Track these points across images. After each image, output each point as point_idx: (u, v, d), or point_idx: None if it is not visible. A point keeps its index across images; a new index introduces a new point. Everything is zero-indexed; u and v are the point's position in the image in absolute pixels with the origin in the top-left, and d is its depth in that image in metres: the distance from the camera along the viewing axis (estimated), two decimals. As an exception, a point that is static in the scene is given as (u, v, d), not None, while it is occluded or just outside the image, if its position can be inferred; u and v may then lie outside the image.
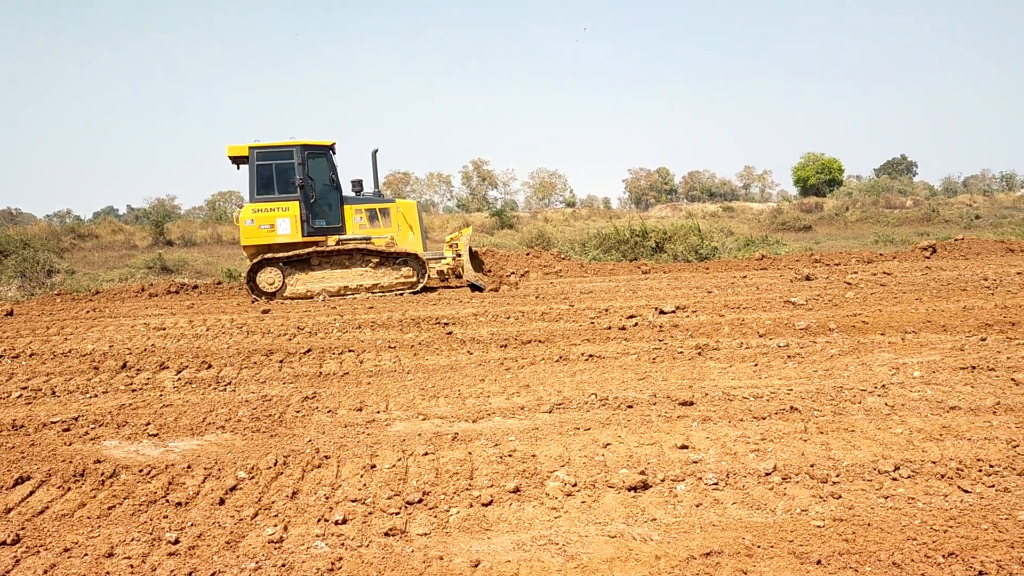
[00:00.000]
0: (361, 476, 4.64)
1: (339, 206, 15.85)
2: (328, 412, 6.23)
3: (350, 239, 15.81)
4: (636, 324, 9.77)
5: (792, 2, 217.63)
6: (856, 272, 16.66)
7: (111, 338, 10.36)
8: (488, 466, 4.69)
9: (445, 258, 17.06)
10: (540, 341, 9.04)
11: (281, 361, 8.42)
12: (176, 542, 3.78)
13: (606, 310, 11.35)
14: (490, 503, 4.18)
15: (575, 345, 8.74)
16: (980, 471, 4.29)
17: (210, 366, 8.22)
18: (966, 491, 4.05)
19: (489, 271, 18.31)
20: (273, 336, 10.11)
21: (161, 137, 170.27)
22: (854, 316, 9.68)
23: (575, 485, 4.35)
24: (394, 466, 4.77)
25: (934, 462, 4.45)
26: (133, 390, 7.27)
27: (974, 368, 6.69)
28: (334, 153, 16.02)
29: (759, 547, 3.53)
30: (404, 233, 16.27)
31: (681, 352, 7.98)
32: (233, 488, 4.48)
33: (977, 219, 45.20)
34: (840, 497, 4.07)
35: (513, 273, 18.93)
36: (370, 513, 4.10)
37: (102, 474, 4.72)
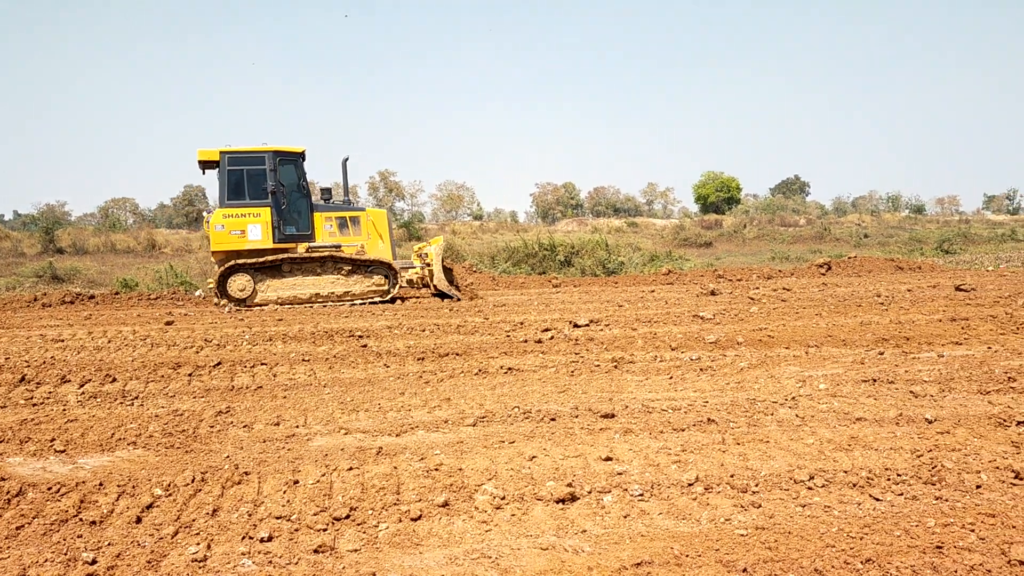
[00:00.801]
0: (284, 492, 4.54)
1: (309, 213, 15.84)
2: (244, 427, 6.07)
3: (320, 247, 15.75)
4: (552, 337, 9.87)
5: (693, 25, 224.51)
6: (758, 287, 17.26)
7: (6, 350, 9.85)
8: (415, 480, 4.66)
9: (414, 267, 17.03)
10: (458, 354, 9.04)
11: (190, 374, 8.16)
12: (94, 563, 3.62)
13: (521, 323, 11.43)
14: (419, 518, 4.15)
15: (493, 358, 8.77)
16: (889, 480, 4.50)
17: (115, 379, 7.90)
18: (877, 499, 4.24)
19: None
20: (180, 348, 9.80)
21: (50, 140, 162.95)
22: (760, 330, 10.03)
23: (504, 498, 4.37)
24: (318, 481, 4.69)
25: (845, 471, 4.64)
26: (34, 404, 6.93)
27: (875, 381, 7.02)
28: (304, 160, 15.83)
29: (687, 556, 3.62)
30: (374, 241, 16.31)
31: (598, 365, 8.11)
32: (150, 506, 4.33)
33: (866, 238, 47.48)
34: (760, 506, 4.20)
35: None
36: (296, 530, 4.02)
37: (8, 492, 4.48)
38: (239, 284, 15.26)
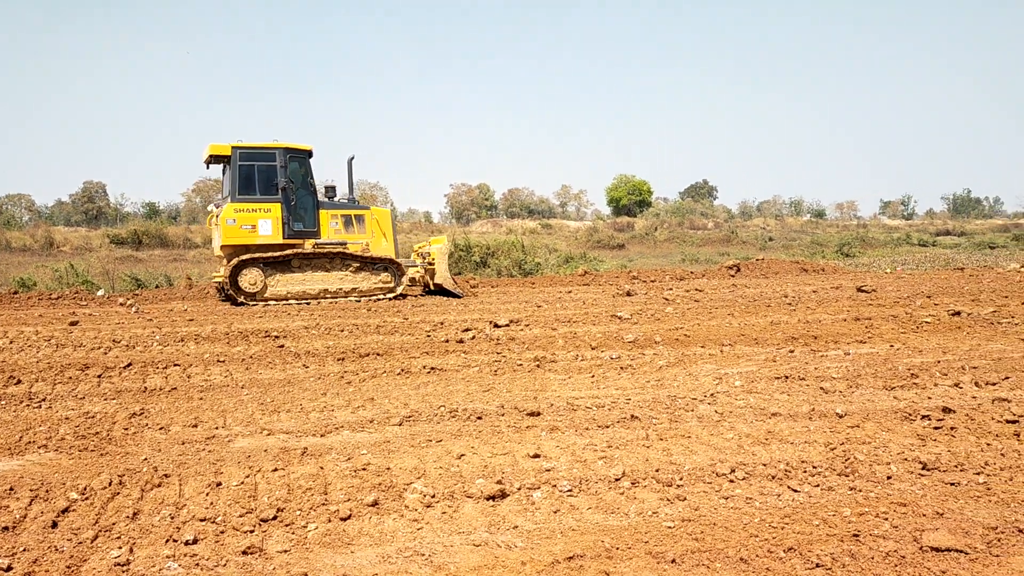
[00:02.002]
0: (207, 494, 4.42)
1: (315, 210, 16.03)
2: (160, 429, 5.89)
3: (326, 243, 16.02)
4: (473, 337, 9.88)
5: (604, 31, 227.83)
6: (672, 288, 17.65)
7: None
8: (342, 480, 4.61)
9: (415, 265, 17.12)
10: (379, 354, 8.96)
11: (99, 376, 7.87)
12: (8, 569, 3.46)
13: (441, 323, 11.41)
14: (349, 517, 4.11)
15: (415, 358, 8.73)
16: (805, 472, 4.67)
17: (19, 381, 7.56)
18: (796, 490, 4.40)
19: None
20: (87, 349, 9.43)
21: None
22: (676, 330, 10.26)
23: (434, 496, 4.36)
24: (242, 483, 4.59)
25: (764, 464, 4.80)
26: (-70, 409, 6.57)
27: (787, 378, 7.27)
28: (311, 158, 16.04)
29: (618, 549, 3.68)
30: (378, 239, 16.63)
31: (521, 364, 8.16)
32: (66, 510, 4.16)
33: (771, 241, 49.08)
34: (686, 499, 4.31)
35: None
36: (222, 532, 3.92)
37: (-91, 501, 4.24)
38: (250, 278, 15.33)
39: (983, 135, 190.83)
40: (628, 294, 16.52)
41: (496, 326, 10.92)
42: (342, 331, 10.74)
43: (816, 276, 21.85)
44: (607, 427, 5.66)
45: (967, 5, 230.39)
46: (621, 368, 7.99)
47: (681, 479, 4.59)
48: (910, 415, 5.77)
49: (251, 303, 15.28)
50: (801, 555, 3.56)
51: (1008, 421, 5.52)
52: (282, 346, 9.58)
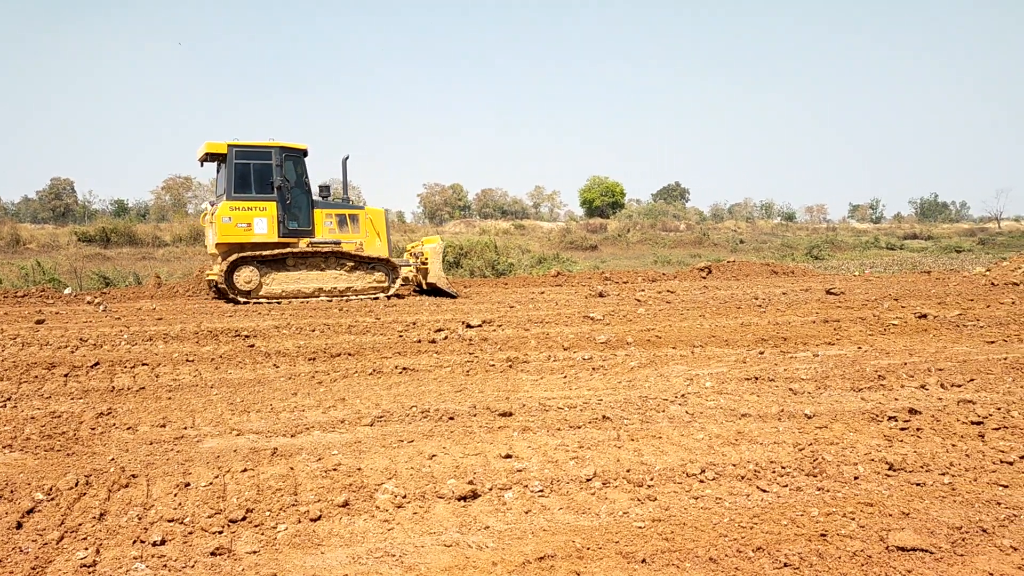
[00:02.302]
0: (175, 495, 4.38)
1: (309, 209, 16.12)
2: (128, 429, 5.82)
3: (321, 242, 16.12)
4: (446, 338, 9.87)
5: (579, 33, 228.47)
6: (644, 290, 17.74)
7: None
8: (313, 481, 4.58)
9: (408, 265, 17.15)
10: (350, 354, 8.92)
11: (66, 375, 7.76)
12: (-30, 573, 3.41)
13: (413, 323, 11.38)
14: (319, 518, 4.09)
15: (387, 358, 8.70)
16: (774, 472, 4.71)
17: (-18, 381, 7.43)
18: (764, 491, 4.44)
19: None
20: (53, 348, 9.30)
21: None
22: (648, 331, 10.31)
23: (405, 497, 4.34)
24: (211, 484, 4.54)
25: (734, 465, 4.83)
26: None
27: (757, 379, 7.34)
28: (306, 157, 16.15)
29: (589, 549, 3.69)
30: (372, 239, 16.73)
31: (493, 365, 8.16)
32: (31, 511, 4.09)
33: (742, 243, 49.50)
34: (656, 499, 4.33)
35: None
36: (191, 533, 3.88)
37: None
38: (245, 276, 15.35)
39: (951, 140, 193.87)
40: (600, 295, 16.58)
41: (469, 326, 10.91)
42: (313, 331, 10.67)
43: (786, 278, 22.07)
44: (579, 428, 5.68)
45: (935, 13, 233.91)
46: (593, 369, 8.01)
47: (652, 479, 4.61)
48: (877, 416, 5.84)
49: (244, 301, 15.29)
50: (769, 555, 3.59)
51: (973, 422, 5.60)
52: (252, 346, 9.50)
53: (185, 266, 25.78)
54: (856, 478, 4.58)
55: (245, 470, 4.78)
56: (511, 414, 6.06)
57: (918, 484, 4.45)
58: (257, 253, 15.35)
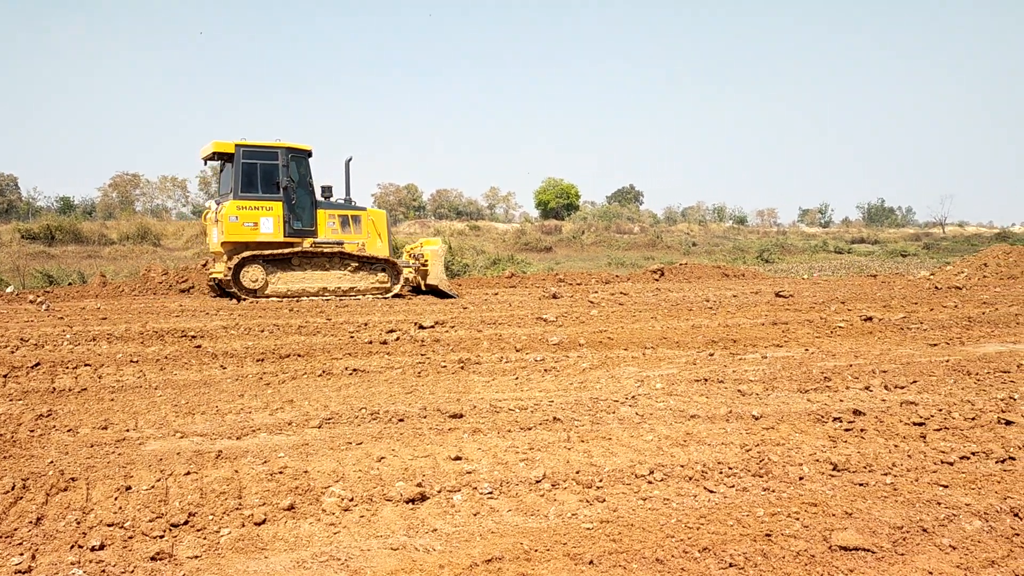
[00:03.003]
0: (116, 499, 4.27)
1: (313, 210, 16.35)
2: (69, 431, 5.67)
3: (324, 242, 16.36)
4: (398, 339, 9.80)
5: (533, 35, 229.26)
6: (597, 292, 17.83)
7: None
8: (258, 484, 4.50)
9: (408, 266, 17.31)
10: (300, 355, 8.81)
11: (5, 376, 7.54)
12: None
13: (365, 324, 11.28)
14: (264, 522, 4.01)
15: (337, 359, 8.61)
16: (721, 473, 4.75)
17: (-85, 382, 7.18)
18: (711, 491, 4.47)
19: None
20: (-9, 348, 9.03)
21: None
22: (600, 332, 10.35)
23: (352, 500, 4.29)
24: (153, 487, 4.44)
25: (682, 466, 4.86)
26: None
27: (707, 380, 7.40)
28: (310, 157, 16.41)
29: (537, 551, 3.68)
30: (373, 240, 17.02)
31: (445, 366, 8.12)
32: (-38, 517, 3.96)
33: (694, 246, 50.05)
34: (604, 501, 4.34)
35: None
36: (130, 537, 3.79)
37: None
38: (252, 275, 15.52)
39: (897, 147, 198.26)
40: (554, 296, 16.62)
41: (421, 327, 10.85)
42: (262, 331, 10.52)
43: (737, 281, 22.36)
44: (529, 429, 5.67)
45: (882, 23, 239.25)
46: (545, 370, 8.02)
47: (601, 480, 4.62)
48: (822, 417, 5.92)
49: (248, 298, 15.46)
50: (715, 555, 3.61)
51: (915, 423, 5.71)
52: (199, 346, 9.33)
53: (132, 265, 25.26)
54: (801, 478, 4.64)
55: (188, 473, 4.68)
56: (462, 416, 6.03)
57: (861, 484, 4.52)
58: (266, 252, 15.51)
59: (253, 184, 15.64)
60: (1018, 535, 3.78)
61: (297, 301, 15.40)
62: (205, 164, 16.80)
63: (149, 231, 41.15)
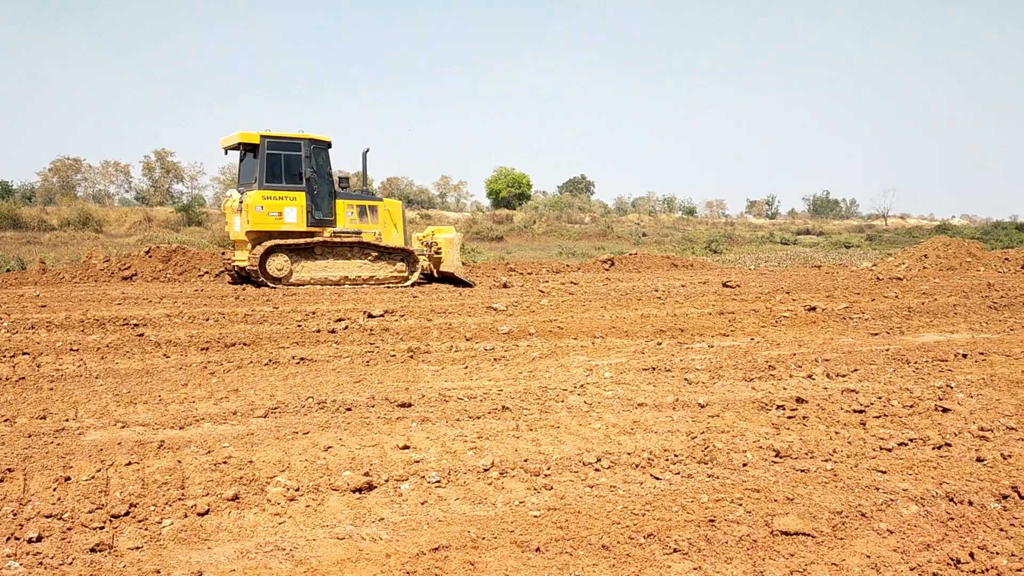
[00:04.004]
0: (54, 490, 4.17)
1: (332, 200, 16.67)
2: (5, 421, 5.52)
3: (343, 232, 16.71)
4: (346, 327, 9.72)
5: (485, 23, 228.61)
6: (547, 281, 17.89)
7: None
8: (201, 474, 4.43)
9: (423, 254, 17.81)
10: (246, 344, 8.69)
11: (-63, 365, 7.30)
12: None
13: (313, 313, 11.17)
14: (207, 512, 3.96)
15: (284, 348, 8.51)
16: (667, 460, 4.81)
17: None
18: (657, 478, 4.52)
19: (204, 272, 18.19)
20: (-77, 337, 8.74)
21: None
22: (550, 322, 10.39)
23: (298, 490, 4.25)
24: (93, 478, 4.34)
25: (629, 453, 4.91)
26: None
27: (654, 369, 7.48)
28: (330, 148, 16.69)
29: (484, 539, 3.69)
30: (389, 230, 17.45)
31: (394, 355, 8.08)
32: None
33: (644, 236, 50.43)
34: (552, 488, 4.36)
35: (207, 272, 18.00)
36: (69, 529, 3.71)
37: None
38: (278, 264, 15.85)
39: (842, 141, 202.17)
40: (505, 286, 16.63)
41: (370, 316, 10.77)
42: (207, 320, 10.35)
43: (685, 271, 22.60)
44: (478, 418, 5.67)
45: (823, 18, 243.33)
46: (495, 359, 8.02)
47: (549, 469, 4.64)
48: (766, 405, 6.03)
49: (274, 286, 15.67)
50: (660, 541, 3.66)
51: (855, 411, 5.84)
52: (142, 335, 9.14)
53: (73, 251, 24.59)
54: (745, 465, 4.71)
55: (130, 463, 4.59)
56: (410, 405, 6.01)
57: (803, 470, 4.61)
58: (290, 241, 15.84)
59: (277, 174, 15.94)
60: (952, 519, 3.89)
61: (320, 288, 15.78)
62: (226, 153, 17.29)
63: (91, 217, 40.12)
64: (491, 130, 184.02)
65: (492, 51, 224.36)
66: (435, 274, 18.12)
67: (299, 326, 9.91)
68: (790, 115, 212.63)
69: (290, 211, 16.03)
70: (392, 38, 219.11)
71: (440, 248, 17.66)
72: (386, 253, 16.95)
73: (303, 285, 15.95)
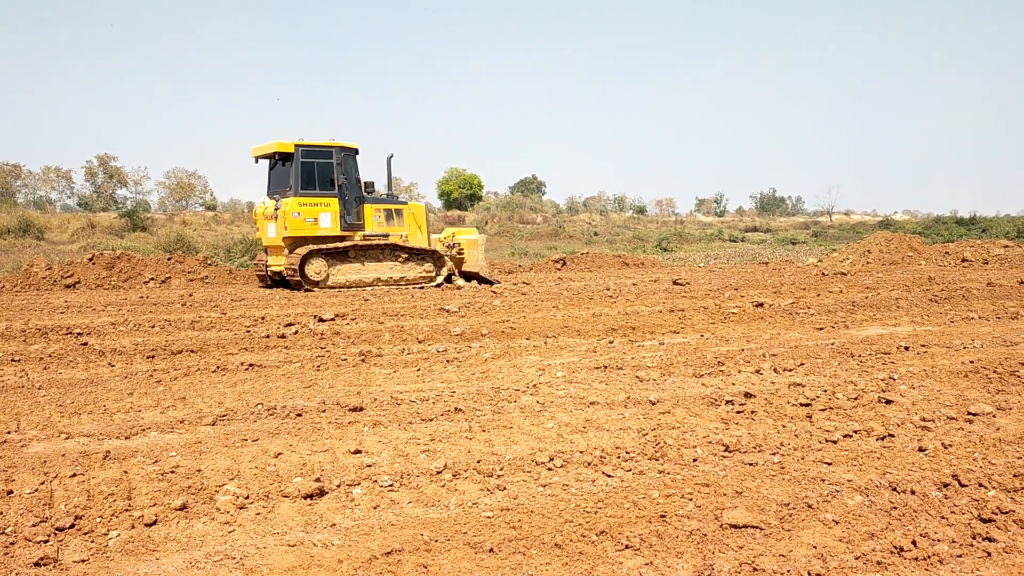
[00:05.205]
0: (-6, 505, 4.06)
1: (360, 204, 17.34)
2: (-58, 436, 5.36)
3: (372, 235, 17.40)
4: (296, 332, 9.62)
5: (431, 23, 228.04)
6: (500, 281, 17.90)
7: None
8: (148, 484, 4.36)
9: (448, 255, 18.29)
10: (193, 351, 8.55)
11: None
12: None
13: (262, 318, 11.03)
14: (155, 523, 3.89)
15: (232, 355, 8.40)
16: (619, 458, 4.85)
17: None
18: (609, 476, 4.56)
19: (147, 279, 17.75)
20: None
21: None
22: (503, 322, 10.40)
23: (248, 497, 4.20)
24: (36, 490, 4.24)
25: (581, 452, 4.94)
26: None
27: (606, 367, 7.53)
28: (358, 154, 17.40)
29: (437, 541, 3.68)
30: (414, 232, 18.13)
31: (345, 359, 8.02)
32: None
33: (596, 235, 50.73)
34: (505, 489, 4.37)
35: (152, 279, 17.68)
36: (12, 543, 3.61)
37: None
38: (316, 268, 16.42)
39: (788, 139, 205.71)
40: (457, 287, 16.62)
41: (321, 320, 10.68)
42: (153, 327, 10.17)
43: (636, 270, 22.82)
44: (431, 420, 5.66)
45: (772, 17, 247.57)
46: (447, 361, 8.01)
47: (502, 469, 4.65)
48: (716, 400, 6.11)
49: (313, 289, 16.24)
50: (612, 538, 3.69)
51: (802, 404, 5.96)
52: (86, 344, 8.95)
53: (13, 259, 23.97)
54: (695, 460, 4.77)
55: (75, 475, 4.50)
56: (362, 409, 5.97)
57: (751, 464, 4.68)
58: (326, 246, 16.45)
59: (312, 182, 16.60)
60: (896, 508, 3.99)
61: (357, 290, 16.38)
62: (256, 162, 17.66)
63: (32, 224, 39.04)
64: (441, 131, 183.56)
65: (441, 52, 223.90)
66: (456, 274, 18.71)
67: (248, 332, 9.78)
68: (737, 114, 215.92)
69: (325, 216, 16.68)
70: (338, 37, 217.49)
71: (463, 249, 18.50)
72: (415, 254, 17.58)
73: (340, 288, 16.57)
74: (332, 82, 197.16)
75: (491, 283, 18.05)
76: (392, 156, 18.06)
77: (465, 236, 18.94)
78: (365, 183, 17.50)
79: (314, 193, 16.63)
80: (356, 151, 17.34)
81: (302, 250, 16.22)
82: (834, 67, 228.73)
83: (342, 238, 16.96)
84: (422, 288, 16.99)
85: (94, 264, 17.96)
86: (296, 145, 16.50)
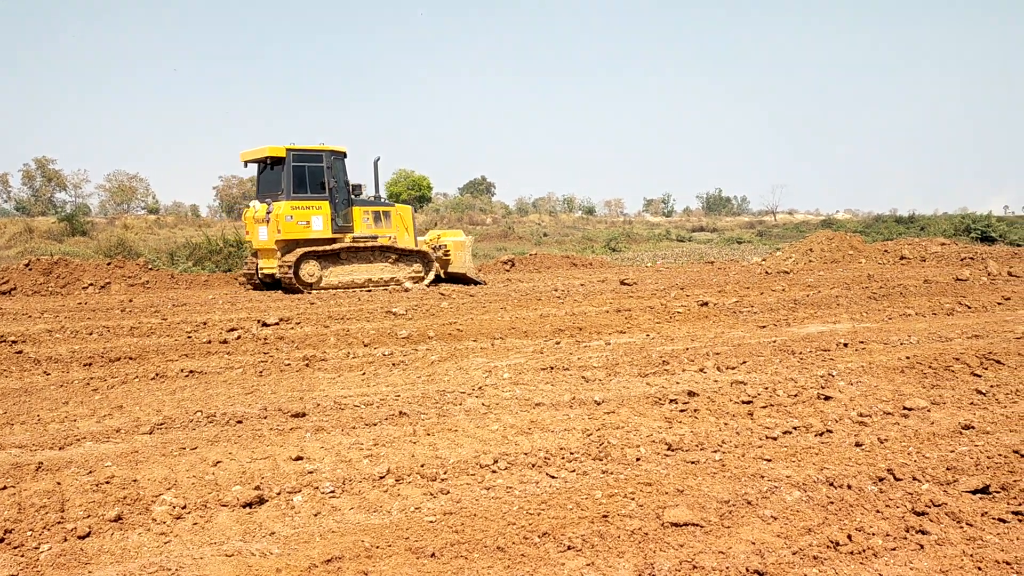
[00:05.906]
0: (-82, 521, 3.91)
1: (349, 207, 17.54)
2: None
3: (362, 237, 17.50)
4: (239, 337, 9.47)
5: (379, 27, 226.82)
6: (487, 281, 17.92)
7: None
8: (82, 496, 4.24)
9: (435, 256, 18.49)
10: (131, 358, 8.37)
11: None
12: None
13: (204, 323, 10.84)
14: (88, 535, 3.79)
15: (172, 361, 8.23)
16: (563, 459, 4.86)
17: None
18: (553, 477, 4.56)
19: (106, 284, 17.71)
20: None
21: None
22: (450, 324, 10.37)
23: (185, 507, 4.11)
24: (-38, 506, 4.10)
25: (526, 453, 4.94)
26: None
27: (553, 368, 7.55)
28: (346, 158, 17.58)
29: (378, 547, 3.65)
30: (401, 233, 18.34)
31: (289, 364, 7.92)
32: None
33: (545, 236, 50.88)
34: (448, 492, 4.35)
35: (91, 284, 17.28)
36: (-66, 563, 3.49)
37: None
38: (309, 270, 16.46)
39: (733, 139, 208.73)
40: (405, 289, 16.54)
41: (264, 325, 10.53)
42: (91, 334, 9.93)
43: (585, 270, 22.94)
44: (375, 425, 5.61)
45: (719, 21, 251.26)
46: (393, 364, 7.96)
47: (445, 473, 4.63)
48: (660, 399, 6.16)
49: (307, 291, 16.30)
50: (555, 539, 3.69)
51: (743, 402, 6.04)
52: (20, 352, 8.70)
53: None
54: (638, 459, 4.81)
55: (5, 487, 4.37)
56: (304, 414, 5.89)
57: (693, 462, 4.73)
58: (318, 249, 16.51)
59: (303, 185, 16.74)
60: (832, 503, 4.06)
61: (348, 292, 16.51)
62: (246, 166, 17.72)
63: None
64: (389, 132, 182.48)
65: (390, 51, 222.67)
66: (442, 275, 18.89)
67: (189, 337, 9.60)
68: (684, 115, 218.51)
69: (316, 219, 16.84)
70: (281, 38, 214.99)
71: (448, 251, 18.67)
72: (404, 255, 17.79)
73: (333, 289, 16.65)
74: (274, 82, 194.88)
75: (477, 283, 18.20)
76: (379, 159, 18.30)
77: (452, 238, 19.16)
78: (353, 186, 17.69)
79: (305, 196, 16.78)
80: (344, 154, 17.50)
81: (295, 254, 16.26)
82: (779, 69, 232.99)
83: (333, 240, 17.09)
84: (407, 290, 17.02)
85: (31, 270, 17.47)
86: (287, 149, 16.64)
